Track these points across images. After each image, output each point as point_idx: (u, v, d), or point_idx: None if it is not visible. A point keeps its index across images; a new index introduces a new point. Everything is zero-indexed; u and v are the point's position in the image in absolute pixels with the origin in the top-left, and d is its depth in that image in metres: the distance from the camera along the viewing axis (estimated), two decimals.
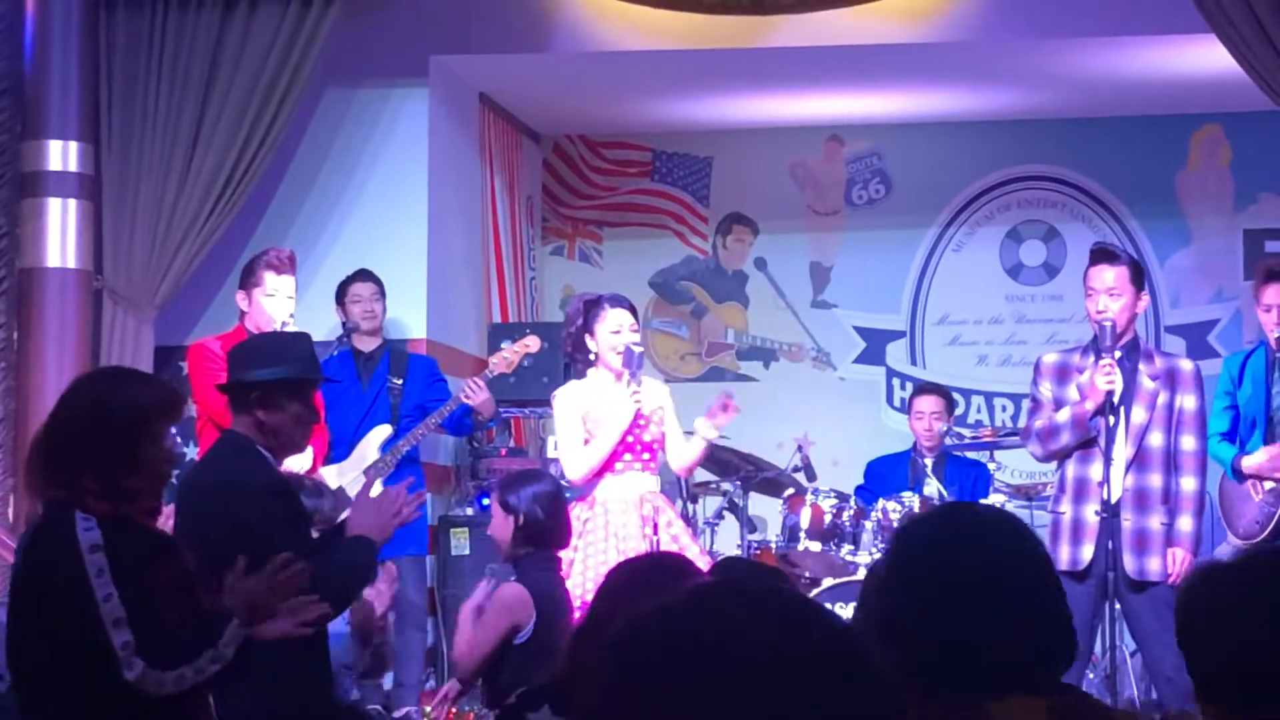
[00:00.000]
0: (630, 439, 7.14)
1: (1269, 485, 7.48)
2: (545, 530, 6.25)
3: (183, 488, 5.30)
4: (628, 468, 7.15)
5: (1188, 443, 6.91)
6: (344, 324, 8.87)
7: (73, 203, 8.61)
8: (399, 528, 5.19)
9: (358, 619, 6.34)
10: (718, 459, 8.82)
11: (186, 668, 3.93)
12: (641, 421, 7.15)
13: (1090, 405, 6.78)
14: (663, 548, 6.93)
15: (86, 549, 3.90)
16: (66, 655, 3.94)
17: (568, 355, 7.49)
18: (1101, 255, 7.03)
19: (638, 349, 7.13)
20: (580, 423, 7.17)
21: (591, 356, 7.22)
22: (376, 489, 5.39)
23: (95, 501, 3.98)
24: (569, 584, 6.69)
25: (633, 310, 7.29)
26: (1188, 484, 6.87)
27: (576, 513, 7.15)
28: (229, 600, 4.05)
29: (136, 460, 4.04)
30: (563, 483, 9.02)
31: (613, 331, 7.15)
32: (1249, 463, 7.50)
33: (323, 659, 5.14)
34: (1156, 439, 6.87)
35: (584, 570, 6.91)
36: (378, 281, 8.89)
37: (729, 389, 7.48)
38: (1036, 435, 7.00)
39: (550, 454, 9.73)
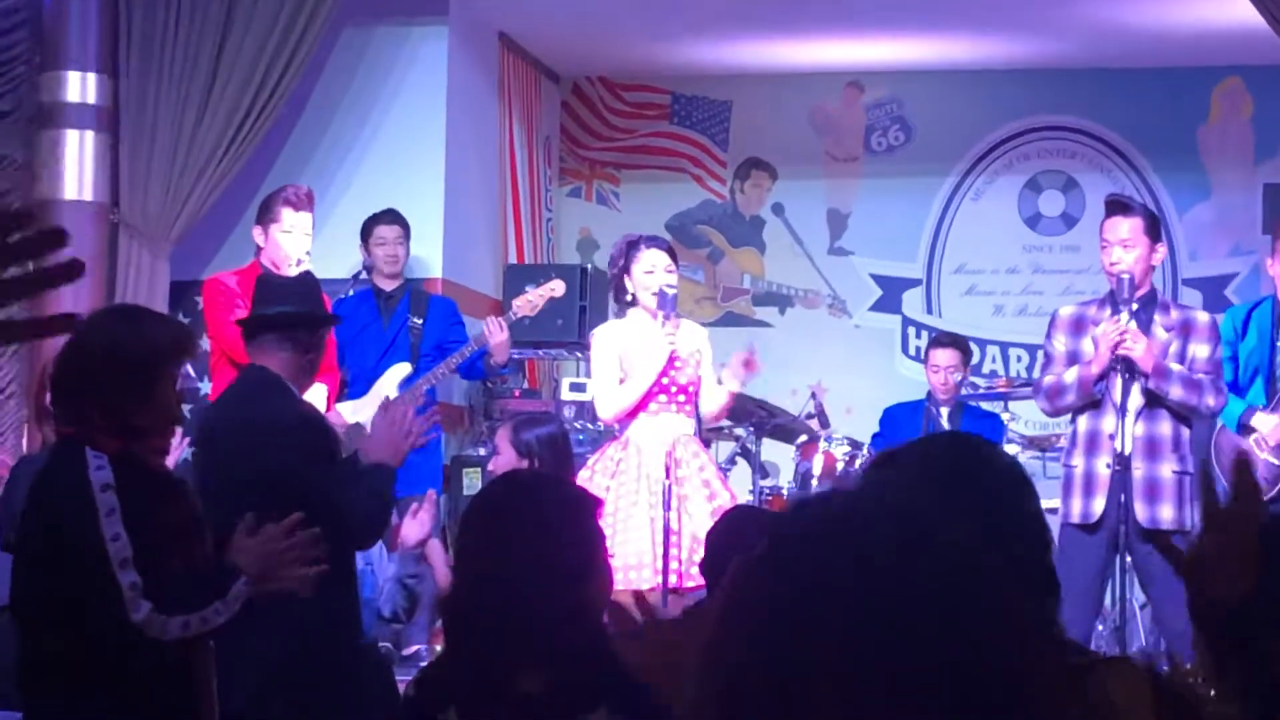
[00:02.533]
0: (665, 380, 7.11)
1: (1274, 441, 7.47)
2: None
3: (210, 425, 5.28)
4: (662, 409, 7.11)
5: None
6: (365, 263, 8.86)
7: (90, 135, 8.60)
8: (413, 449, 5.22)
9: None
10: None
11: (193, 615, 3.92)
12: (678, 364, 7.11)
13: (1095, 369, 6.78)
14: (693, 491, 6.92)
15: (98, 488, 3.89)
16: (70, 593, 3.94)
17: (613, 296, 7.49)
18: (1116, 207, 6.99)
19: (671, 290, 7.09)
20: (617, 362, 7.14)
21: (629, 297, 7.22)
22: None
23: (105, 438, 3.97)
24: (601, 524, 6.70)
25: (671, 252, 7.24)
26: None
27: (610, 453, 7.14)
28: (236, 557, 4.04)
29: (149, 399, 4.03)
30: (578, 424, 9.04)
31: (646, 272, 7.13)
32: (1259, 423, 7.47)
33: (351, 597, 5.16)
34: None
35: (614, 510, 6.90)
36: (404, 224, 8.87)
37: (750, 344, 7.42)
38: (1044, 392, 7.00)
39: (565, 396, 9.74)
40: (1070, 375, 6.86)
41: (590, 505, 3.49)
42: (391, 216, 8.90)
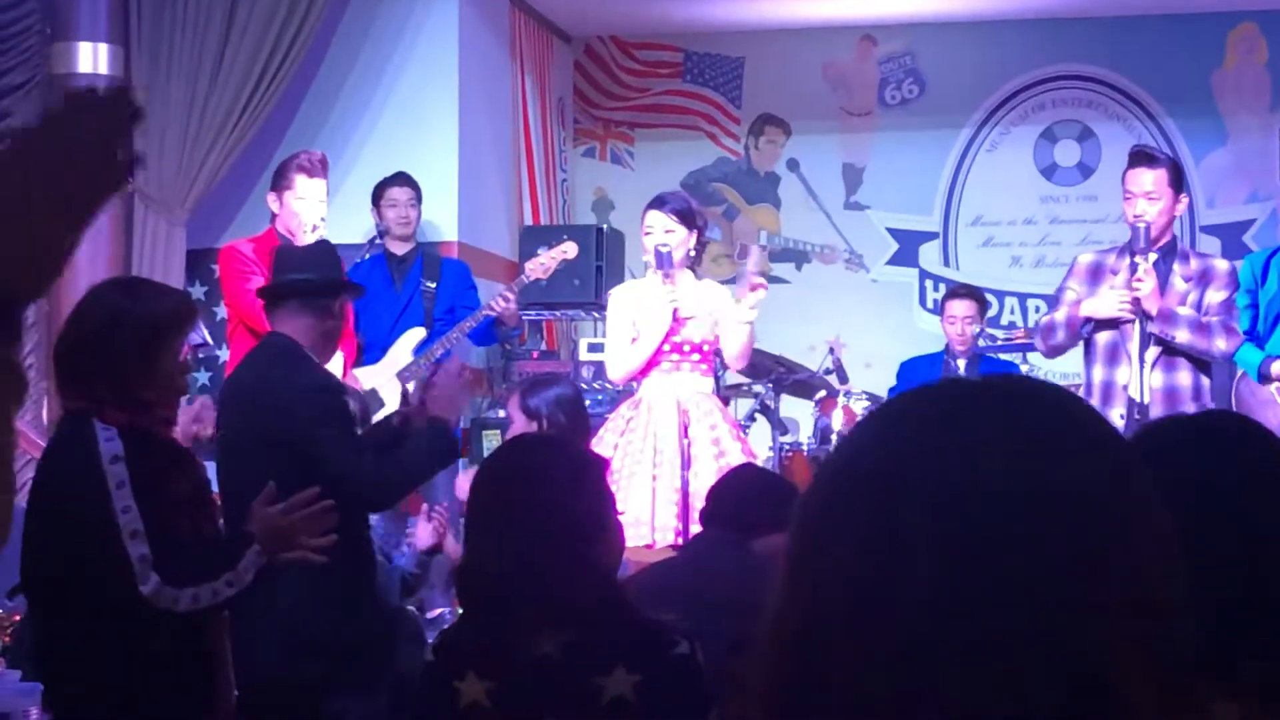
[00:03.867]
0: (678, 339, 7.08)
1: None
2: (566, 435, 6.19)
3: (228, 391, 5.30)
4: (675, 368, 7.10)
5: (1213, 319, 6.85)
6: (377, 226, 8.85)
7: None
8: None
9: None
10: (750, 361, 8.80)
11: (203, 587, 3.94)
12: (684, 318, 7.07)
13: (1082, 312, 6.78)
14: (701, 451, 6.91)
15: (107, 460, 3.90)
16: (82, 565, 3.95)
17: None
18: (1140, 158, 6.93)
19: (665, 249, 7.05)
20: (629, 323, 7.12)
21: (645, 258, 7.23)
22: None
23: (113, 411, 3.98)
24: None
25: (678, 210, 7.12)
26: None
27: (622, 411, 7.13)
28: (252, 526, 4.05)
29: (153, 370, 4.04)
30: (596, 384, 9.04)
31: (644, 233, 7.12)
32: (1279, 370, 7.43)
33: (364, 559, 5.17)
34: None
35: (620, 468, 6.90)
36: (415, 186, 8.86)
37: (748, 247, 7.35)
38: (1039, 331, 7.05)
39: (583, 356, 9.74)
40: (1060, 314, 6.88)
41: (597, 465, 3.50)
42: (402, 179, 8.89)
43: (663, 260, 7.00)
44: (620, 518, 6.15)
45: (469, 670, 3.25)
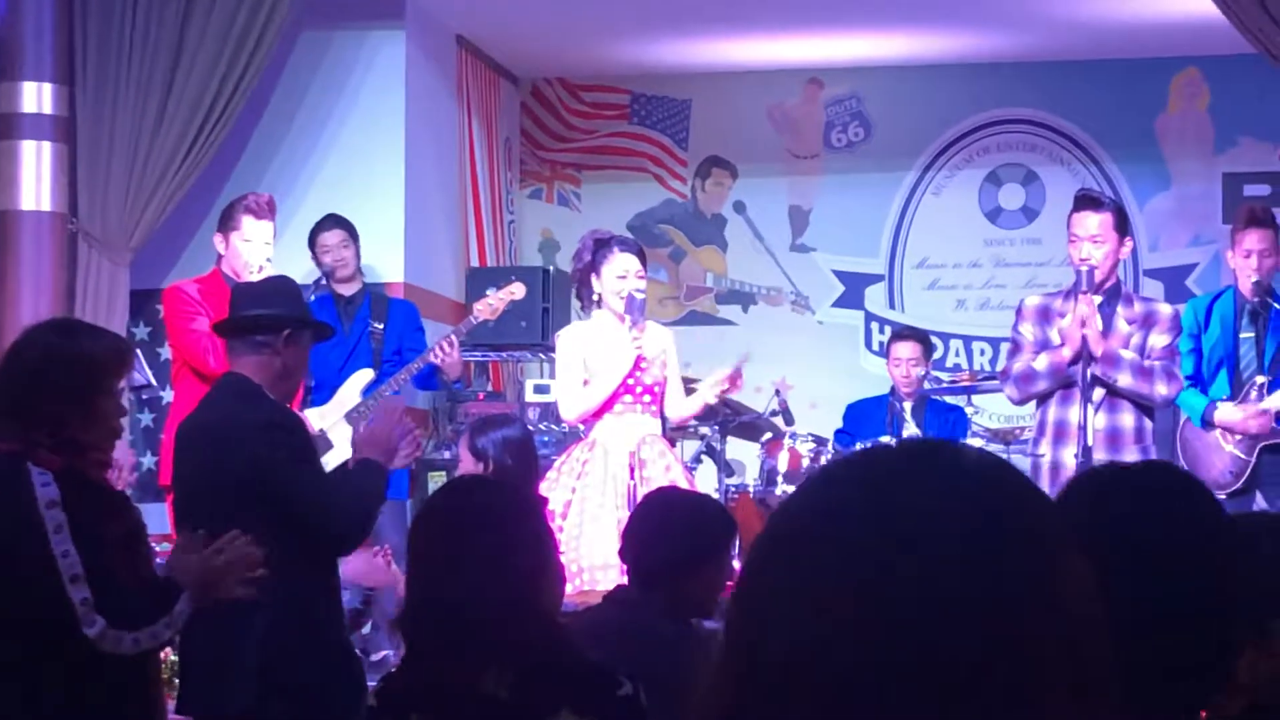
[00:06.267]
0: (631, 381, 7.11)
1: (1239, 436, 7.45)
2: (513, 477, 6.14)
3: (184, 431, 5.24)
4: (628, 410, 7.11)
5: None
6: (323, 268, 8.83)
7: (47, 145, 8.56)
8: (404, 465, 5.22)
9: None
10: None
11: (143, 631, 3.91)
12: (644, 364, 7.11)
13: (1068, 353, 6.77)
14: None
15: (44, 504, 3.87)
16: (22, 609, 3.92)
17: (576, 292, 7.46)
18: (1086, 202, 6.97)
19: (640, 295, 7.10)
20: (581, 364, 7.13)
21: (595, 297, 7.20)
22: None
23: (47, 454, 3.95)
24: (566, 523, 6.71)
25: (641, 255, 7.23)
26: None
27: (576, 454, 7.13)
28: (176, 574, 4.02)
29: (89, 413, 4.01)
30: (542, 426, 9.03)
31: (618, 276, 7.11)
32: (1221, 416, 7.46)
33: (334, 594, 5.11)
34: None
35: (580, 511, 6.89)
36: (346, 227, 8.78)
37: (739, 363, 7.46)
38: (1014, 379, 6.99)
39: (529, 398, 9.73)
40: (1041, 362, 6.85)
41: (536, 505, 3.50)
42: (332, 222, 8.81)
43: (635, 307, 7.04)
44: (580, 560, 6.11)
45: (412, 713, 3.23)
